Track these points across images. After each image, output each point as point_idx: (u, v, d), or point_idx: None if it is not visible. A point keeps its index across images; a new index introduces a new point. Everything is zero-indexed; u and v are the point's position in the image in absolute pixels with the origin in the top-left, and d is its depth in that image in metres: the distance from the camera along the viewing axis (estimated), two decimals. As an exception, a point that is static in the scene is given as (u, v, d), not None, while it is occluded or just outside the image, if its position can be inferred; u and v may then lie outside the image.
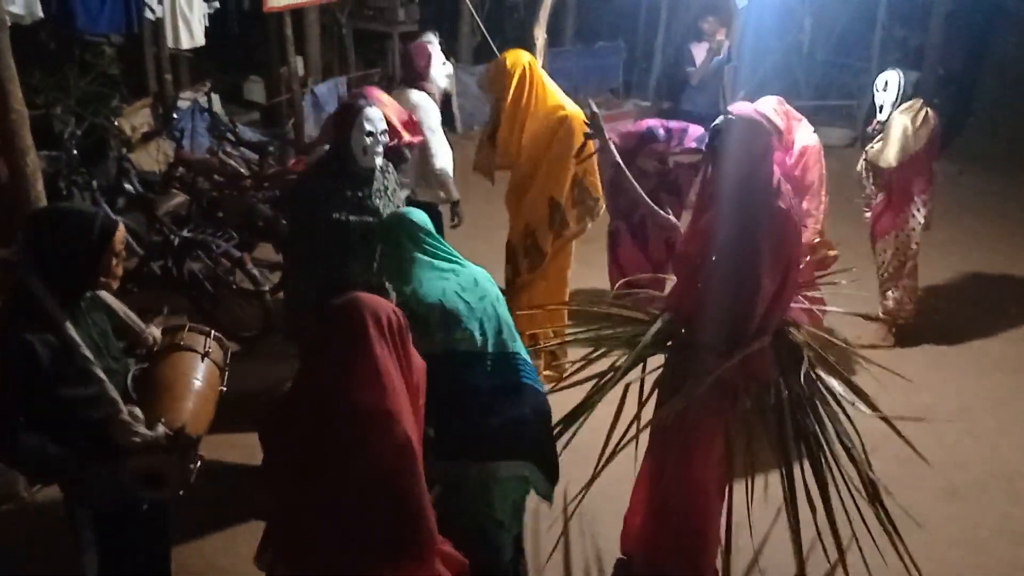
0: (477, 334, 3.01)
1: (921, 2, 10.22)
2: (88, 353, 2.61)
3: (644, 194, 3.68)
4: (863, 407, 3.37)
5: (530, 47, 6.54)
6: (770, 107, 4.60)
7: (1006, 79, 10.16)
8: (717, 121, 3.16)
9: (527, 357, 3.15)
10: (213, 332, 3.05)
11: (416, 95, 5.08)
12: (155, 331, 2.98)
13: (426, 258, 3.12)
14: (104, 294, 2.82)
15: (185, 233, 5.75)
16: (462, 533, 2.94)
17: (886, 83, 5.57)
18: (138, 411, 2.67)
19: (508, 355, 3.07)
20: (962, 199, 8.76)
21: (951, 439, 4.82)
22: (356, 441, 2.45)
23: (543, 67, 5.37)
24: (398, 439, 2.45)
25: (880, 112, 5.63)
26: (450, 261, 3.16)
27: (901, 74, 5.59)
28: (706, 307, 3.19)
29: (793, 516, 3.20)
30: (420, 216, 3.22)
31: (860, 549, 3.22)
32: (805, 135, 4.79)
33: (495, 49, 6.86)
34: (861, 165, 5.79)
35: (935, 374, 5.49)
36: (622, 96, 11.57)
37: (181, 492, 2.73)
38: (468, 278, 3.11)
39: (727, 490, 3.39)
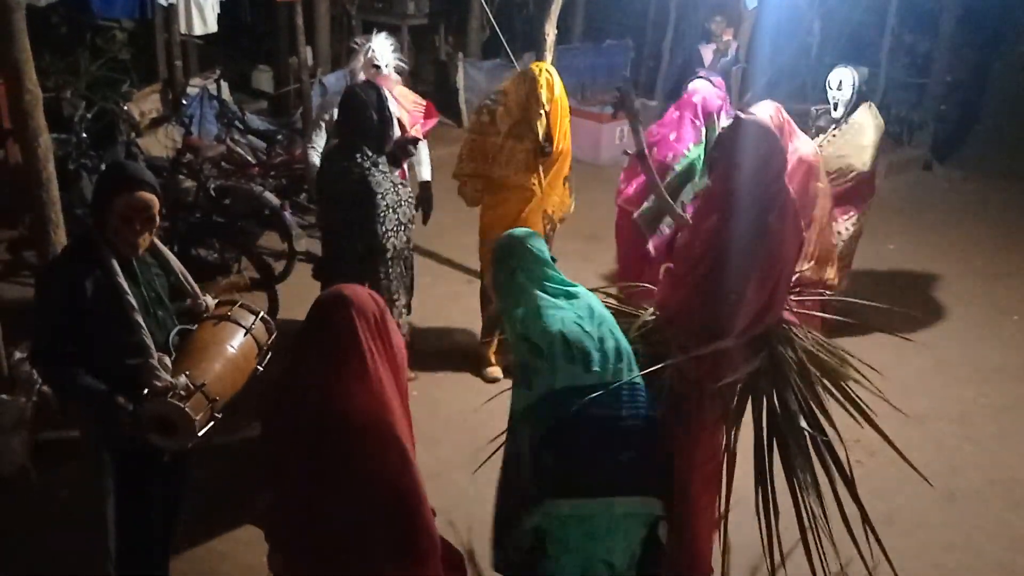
0: (600, 366, 2.85)
1: (931, 8, 10.21)
2: (133, 301, 2.75)
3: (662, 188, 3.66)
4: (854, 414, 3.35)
5: (539, 43, 6.54)
6: (767, 114, 4.27)
7: (1014, 87, 10.16)
8: (726, 123, 3.16)
9: (643, 385, 2.99)
10: (263, 314, 3.14)
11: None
12: (209, 300, 3.08)
13: (541, 288, 2.95)
14: (169, 254, 2.99)
15: (192, 219, 5.76)
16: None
17: (840, 82, 5.44)
18: (167, 360, 2.79)
19: (632, 385, 2.91)
20: (966, 205, 8.77)
21: (950, 444, 4.84)
22: (354, 449, 2.47)
23: (551, 63, 5.39)
24: (394, 444, 2.48)
25: (835, 110, 5.48)
26: (564, 287, 2.99)
27: (855, 72, 5.43)
28: (690, 307, 3.18)
29: (766, 514, 3.20)
30: (537, 243, 3.06)
31: (857, 544, 3.22)
32: (803, 145, 4.64)
33: (505, 45, 6.85)
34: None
35: (935, 379, 5.50)
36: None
37: (189, 445, 2.78)
38: (584, 306, 2.96)
39: (719, 489, 3.36)
